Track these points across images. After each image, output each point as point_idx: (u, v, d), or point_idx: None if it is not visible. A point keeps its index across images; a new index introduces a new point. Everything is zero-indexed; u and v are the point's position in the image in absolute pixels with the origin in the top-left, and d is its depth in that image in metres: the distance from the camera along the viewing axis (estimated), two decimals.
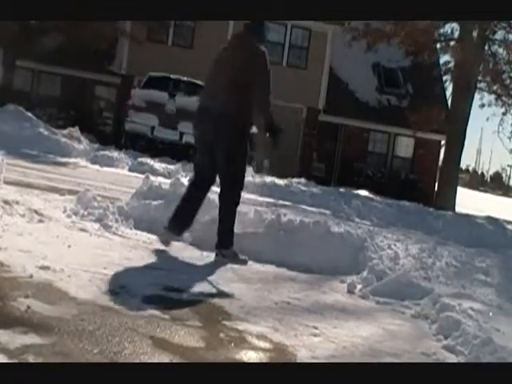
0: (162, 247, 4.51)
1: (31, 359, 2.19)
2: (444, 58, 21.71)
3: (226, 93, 4.41)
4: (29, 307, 2.67)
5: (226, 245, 4.49)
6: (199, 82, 15.55)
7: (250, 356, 2.72)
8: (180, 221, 4.59)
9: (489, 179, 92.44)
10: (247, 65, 4.44)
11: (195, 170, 4.75)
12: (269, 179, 12.33)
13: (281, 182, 12.44)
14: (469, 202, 25.18)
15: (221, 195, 4.56)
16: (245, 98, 4.39)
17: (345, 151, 22.40)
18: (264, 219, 5.17)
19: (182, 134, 13.85)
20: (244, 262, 4.50)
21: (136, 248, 4.33)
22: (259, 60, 4.43)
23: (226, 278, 4.02)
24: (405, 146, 23.16)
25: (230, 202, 4.53)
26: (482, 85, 19.62)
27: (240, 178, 4.56)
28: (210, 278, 3.89)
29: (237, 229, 4.63)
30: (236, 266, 4.39)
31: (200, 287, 3.62)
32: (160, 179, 7.98)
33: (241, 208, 4.81)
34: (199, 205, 4.65)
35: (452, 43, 19.53)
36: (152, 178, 6.13)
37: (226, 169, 4.48)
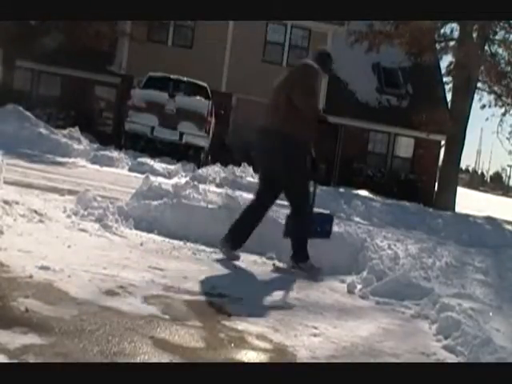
0: (162, 247, 4.51)
1: (31, 359, 2.19)
2: (444, 59, 21.72)
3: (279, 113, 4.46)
4: (28, 307, 2.67)
5: (302, 258, 4.62)
6: (199, 82, 15.60)
7: (249, 356, 2.72)
8: (237, 235, 4.65)
9: (489, 179, 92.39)
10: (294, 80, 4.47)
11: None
12: None
13: None
14: (469, 202, 25.16)
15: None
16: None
17: (345, 151, 22.37)
18: (263, 219, 5.16)
19: (181, 134, 13.86)
20: (318, 272, 4.59)
21: (136, 248, 4.33)
22: (302, 72, 4.50)
23: (226, 277, 4.02)
24: (405, 146, 23.11)
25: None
26: (482, 85, 19.62)
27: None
28: (209, 277, 3.89)
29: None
30: (236, 265, 4.40)
31: (200, 287, 3.62)
32: (160, 179, 7.99)
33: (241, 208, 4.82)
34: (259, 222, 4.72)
35: (452, 43, 19.52)
36: (152, 177, 6.14)
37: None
